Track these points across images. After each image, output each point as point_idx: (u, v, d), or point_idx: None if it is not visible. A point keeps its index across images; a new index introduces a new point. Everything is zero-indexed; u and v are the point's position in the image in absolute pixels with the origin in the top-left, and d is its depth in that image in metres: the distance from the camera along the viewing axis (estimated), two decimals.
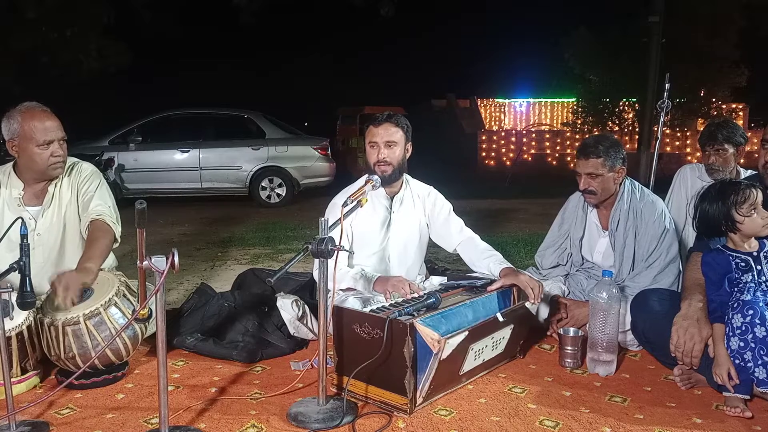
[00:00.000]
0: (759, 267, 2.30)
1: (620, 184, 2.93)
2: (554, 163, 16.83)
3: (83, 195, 2.69)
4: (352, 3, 13.21)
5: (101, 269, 2.53)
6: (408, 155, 2.82)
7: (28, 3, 11.05)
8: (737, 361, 2.19)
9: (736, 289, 2.29)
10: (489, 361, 2.50)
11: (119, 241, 2.69)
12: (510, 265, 2.74)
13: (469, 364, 2.36)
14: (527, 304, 2.59)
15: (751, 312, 2.18)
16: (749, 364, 2.17)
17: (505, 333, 2.51)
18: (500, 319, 2.42)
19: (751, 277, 2.28)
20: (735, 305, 2.24)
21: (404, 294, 2.51)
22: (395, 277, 2.70)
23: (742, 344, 2.19)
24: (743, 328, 2.19)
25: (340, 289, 2.65)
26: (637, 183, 3.02)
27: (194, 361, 2.71)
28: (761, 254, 2.33)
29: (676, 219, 3.46)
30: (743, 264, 2.32)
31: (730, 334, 2.22)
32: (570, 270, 3.14)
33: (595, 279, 2.97)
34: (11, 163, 2.68)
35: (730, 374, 2.18)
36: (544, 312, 2.93)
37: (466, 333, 2.23)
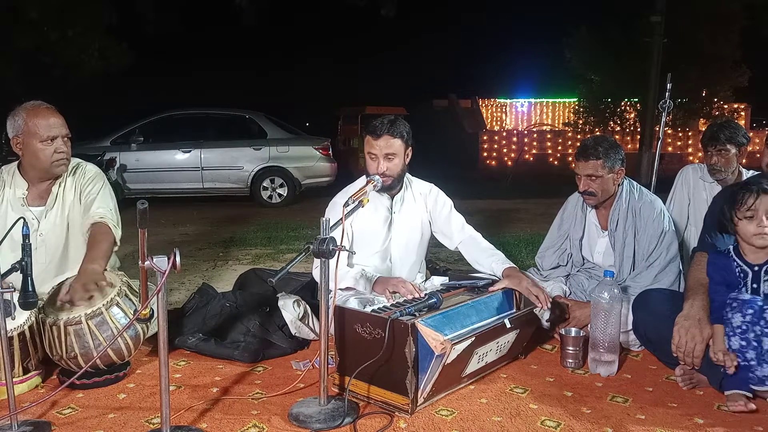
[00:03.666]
0: (755, 285, 2.26)
1: (619, 184, 2.93)
2: (556, 163, 16.84)
3: (86, 196, 2.69)
4: (353, 3, 13.20)
5: (104, 270, 2.53)
6: (408, 159, 2.81)
7: (29, 3, 11.06)
8: (739, 359, 2.19)
9: (736, 290, 2.28)
10: (491, 363, 2.50)
11: (118, 244, 2.69)
12: (513, 264, 2.74)
13: (473, 366, 2.36)
14: (535, 310, 2.59)
15: (750, 311, 2.18)
16: (753, 363, 2.16)
17: (510, 337, 2.51)
18: (507, 325, 2.42)
19: (746, 291, 2.26)
20: (734, 304, 2.23)
21: (404, 294, 2.51)
22: (395, 278, 2.70)
23: (743, 343, 2.18)
24: (743, 328, 2.18)
25: (340, 289, 2.65)
26: (635, 183, 3.02)
27: (196, 361, 2.71)
28: (763, 270, 2.27)
29: (678, 219, 3.46)
30: (742, 275, 2.30)
31: (731, 333, 2.22)
32: (571, 271, 3.14)
33: (596, 279, 2.97)
34: (16, 162, 2.69)
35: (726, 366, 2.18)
36: (545, 313, 2.93)
37: (473, 339, 2.23)
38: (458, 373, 2.32)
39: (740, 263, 2.32)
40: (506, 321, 2.41)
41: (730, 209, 2.30)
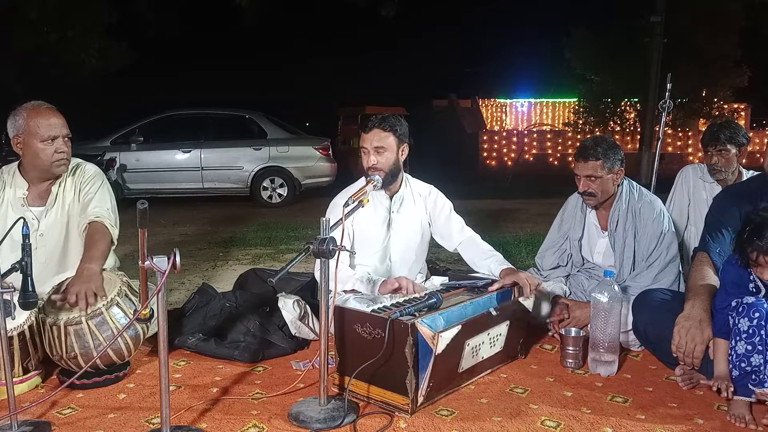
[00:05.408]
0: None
1: (619, 185, 2.93)
2: (556, 163, 16.83)
3: (84, 196, 2.70)
4: (353, 3, 13.20)
5: (103, 269, 2.53)
6: (404, 156, 2.80)
7: (29, 3, 11.06)
8: (743, 365, 2.16)
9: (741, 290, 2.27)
10: (489, 359, 2.50)
11: (115, 244, 2.69)
12: (511, 265, 2.74)
13: (467, 361, 2.36)
14: (521, 299, 2.59)
15: (757, 315, 2.15)
16: (759, 368, 2.14)
17: (502, 329, 2.51)
18: (493, 313, 2.42)
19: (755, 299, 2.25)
20: (740, 309, 2.20)
21: (405, 287, 2.52)
22: (399, 277, 2.71)
23: (749, 347, 2.15)
24: (750, 332, 2.14)
25: (343, 291, 2.66)
26: (635, 183, 3.03)
27: (196, 361, 2.71)
28: None
29: (678, 219, 3.46)
30: (755, 290, 2.27)
31: (737, 338, 2.19)
32: (571, 271, 3.14)
33: (596, 279, 2.98)
34: (16, 162, 2.69)
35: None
36: (546, 310, 2.93)
37: (459, 327, 2.22)
38: (453, 368, 2.32)
39: (756, 278, 2.27)
40: (492, 309, 2.41)
41: (745, 249, 2.25)
